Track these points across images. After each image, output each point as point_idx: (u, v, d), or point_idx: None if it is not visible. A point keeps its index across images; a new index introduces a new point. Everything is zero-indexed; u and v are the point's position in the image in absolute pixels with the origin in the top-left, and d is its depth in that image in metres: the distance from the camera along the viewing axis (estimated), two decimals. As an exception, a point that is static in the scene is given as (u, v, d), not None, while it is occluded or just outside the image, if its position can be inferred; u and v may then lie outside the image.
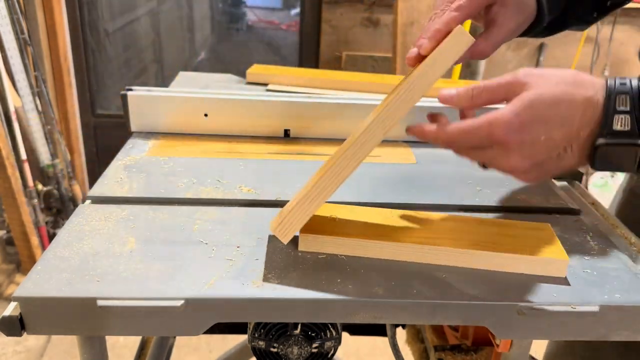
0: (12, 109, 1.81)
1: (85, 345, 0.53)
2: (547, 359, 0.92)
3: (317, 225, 0.56)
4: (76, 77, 2.26)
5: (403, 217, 0.59)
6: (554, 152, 0.50)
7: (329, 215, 0.59)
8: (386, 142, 0.85)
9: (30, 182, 1.88)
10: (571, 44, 2.32)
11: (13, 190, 1.79)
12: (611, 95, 0.49)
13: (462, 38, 0.52)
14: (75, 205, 2.03)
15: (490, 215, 0.64)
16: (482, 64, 2.29)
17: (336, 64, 2.30)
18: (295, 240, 0.56)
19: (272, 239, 0.57)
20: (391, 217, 0.59)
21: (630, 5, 0.79)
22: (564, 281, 0.52)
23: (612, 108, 0.48)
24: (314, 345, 0.60)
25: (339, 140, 0.84)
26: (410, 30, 2.05)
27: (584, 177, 2.39)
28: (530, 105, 0.49)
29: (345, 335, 0.77)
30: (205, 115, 0.83)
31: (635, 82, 0.49)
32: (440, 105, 0.54)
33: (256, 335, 0.60)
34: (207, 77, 1.12)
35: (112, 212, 0.61)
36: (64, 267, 0.50)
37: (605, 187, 2.34)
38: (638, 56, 0.76)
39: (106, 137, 2.37)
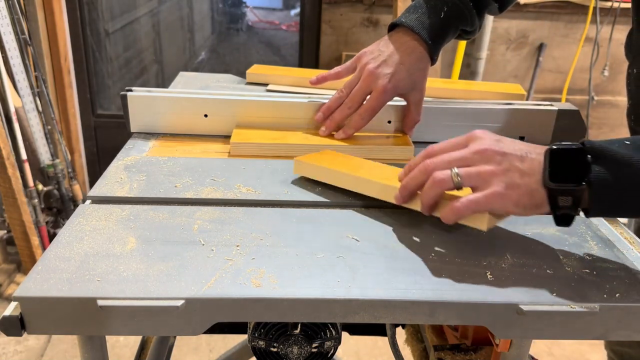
0: (12, 109, 1.81)
1: (85, 345, 0.53)
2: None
3: (311, 158, 0.71)
4: (76, 77, 2.26)
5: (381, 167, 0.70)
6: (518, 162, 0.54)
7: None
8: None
9: (30, 182, 1.88)
10: (571, 44, 2.32)
11: (13, 190, 1.79)
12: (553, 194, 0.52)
13: (407, 148, 0.79)
14: (76, 205, 2.03)
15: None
16: (482, 64, 2.29)
17: (336, 64, 2.30)
18: (295, 238, 0.57)
19: (273, 239, 0.57)
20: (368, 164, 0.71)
21: (629, 5, 0.80)
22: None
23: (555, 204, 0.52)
24: (314, 345, 0.60)
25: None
26: (410, 31, 2.05)
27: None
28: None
29: (345, 335, 0.77)
30: (205, 115, 0.83)
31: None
32: None
33: (256, 335, 0.60)
34: (207, 77, 1.12)
35: (112, 212, 0.61)
36: (65, 267, 0.51)
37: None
38: (624, 49, 0.77)
39: (106, 137, 2.37)
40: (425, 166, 0.56)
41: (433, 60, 0.80)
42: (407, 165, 0.60)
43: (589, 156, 0.51)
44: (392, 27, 0.81)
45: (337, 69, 0.84)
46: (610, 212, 0.52)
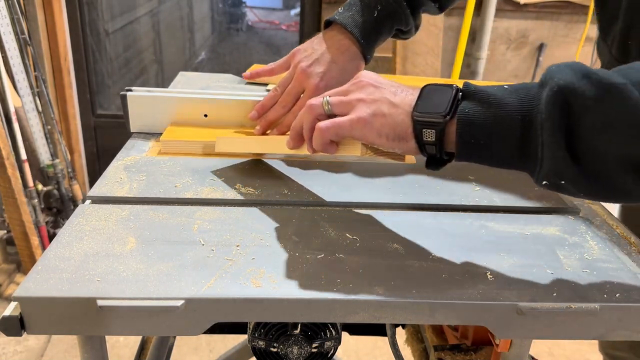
0: (12, 109, 1.80)
1: (85, 345, 0.53)
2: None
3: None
4: (76, 77, 2.25)
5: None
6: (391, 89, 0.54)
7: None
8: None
9: (30, 182, 1.88)
10: (571, 44, 2.32)
11: (13, 190, 1.79)
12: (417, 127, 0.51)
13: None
14: (75, 205, 2.03)
15: (489, 215, 0.64)
16: (482, 64, 2.29)
17: (336, 64, 2.29)
18: (295, 238, 0.57)
19: (273, 239, 0.57)
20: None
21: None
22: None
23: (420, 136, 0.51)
24: (314, 345, 0.60)
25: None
26: (410, 30, 2.05)
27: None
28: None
29: (345, 335, 0.77)
30: (205, 115, 0.83)
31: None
32: None
33: (256, 335, 0.60)
34: (207, 77, 1.12)
35: (112, 212, 0.61)
36: (64, 267, 0.50)
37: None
38: (594, 47, 0.77)
39: (106, 137, 2.37)
40: (309, 104, 0.58)
41: (366, 59, 0.79)
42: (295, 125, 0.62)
43: (460, 94, 0.50)
44: (328, 24, 0.80)
45: (271, 65, 0.83)
46: (477, 156, 0.50)
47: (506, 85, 0.49)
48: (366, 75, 0.57)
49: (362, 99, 0.54)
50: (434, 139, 0.50)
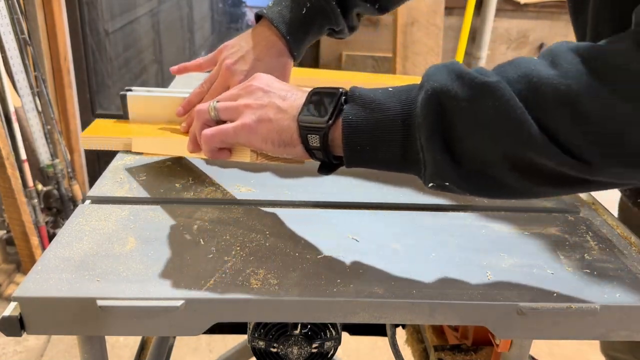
0: (12, 109, 1.80)
1: (85, 345, 0.53)
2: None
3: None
4: (76, 77, 2.25)
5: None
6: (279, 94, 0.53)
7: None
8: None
9: (30, 182, 1.88)
10: (571, 44, 2.32)
11: (13, 190, 1.79)
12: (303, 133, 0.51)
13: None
14: (75, 205, 2.03)
15: (489, 215, 0.64)
16: (482, 64, 2.28)
17: (336, 64, 2.30)
18: (295, 238, 0.57)
19: (273, 239, 0.57)
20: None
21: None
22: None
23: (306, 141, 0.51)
24: (314, 345, 0.60)
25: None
26: (410, 30, 2.06)
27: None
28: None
29: (345, 335, 0.77)
30: (205, 115, 0.83)
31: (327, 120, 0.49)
32: None
33: (256, 335, 0.60)
34: (207, 77, 1.12)
35: (112, 212, 0.61)
36: (64, 267, 0.50)
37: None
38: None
39: (106, 137, 2.37)
40: (197, 110, 0.56)
41: (294, 57, 0.77)
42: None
43: (343, 98, 0.50)
44: (258, 18, 0.79)
45: (199, 60, 0.82)
46: (364, 161, 0.49)
47: (391, 88, 0.49)
48: (259, 78, 0.55)
49: (249, 104, 0.53)
50: (319, 144, 0.50)
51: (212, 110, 0.54)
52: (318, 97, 0.51)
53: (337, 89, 0.50)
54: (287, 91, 0.53)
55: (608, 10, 0.54)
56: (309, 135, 0.50)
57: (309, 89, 0.53)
